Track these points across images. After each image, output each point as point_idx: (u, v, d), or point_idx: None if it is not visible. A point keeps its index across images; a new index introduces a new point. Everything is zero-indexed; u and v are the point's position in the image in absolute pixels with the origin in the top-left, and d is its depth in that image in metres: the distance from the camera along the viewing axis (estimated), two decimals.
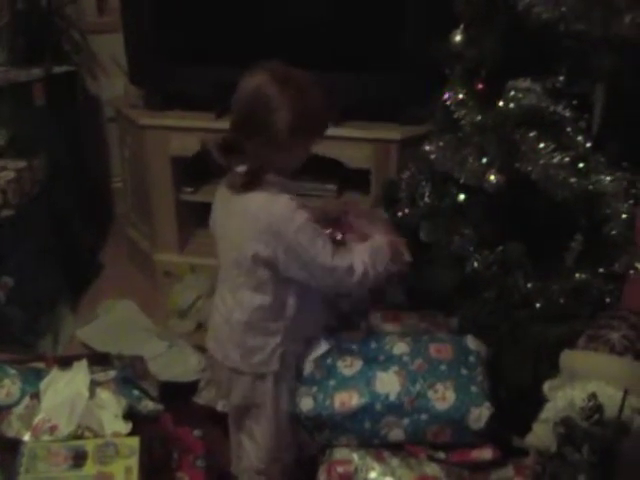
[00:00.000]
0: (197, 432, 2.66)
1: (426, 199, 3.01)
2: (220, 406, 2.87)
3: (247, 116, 2.18)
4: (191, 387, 3.14)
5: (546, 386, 2.23)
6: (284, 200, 2.18)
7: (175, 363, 3.29)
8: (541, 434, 2.16)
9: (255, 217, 2.17)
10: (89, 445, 2.26)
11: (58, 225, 3.73)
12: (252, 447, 2.52)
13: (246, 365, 2.35)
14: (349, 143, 3.55)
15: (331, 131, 3.39)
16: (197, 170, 3.81)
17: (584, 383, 2.06)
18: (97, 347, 3.45)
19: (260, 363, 2.34)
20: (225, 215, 2.31)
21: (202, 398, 3.04)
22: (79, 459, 2.21)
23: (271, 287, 2.26)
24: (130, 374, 2.68)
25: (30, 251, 3.48)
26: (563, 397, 2.09)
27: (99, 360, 2.86)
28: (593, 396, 1.93)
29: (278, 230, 2.16)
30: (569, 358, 2.24)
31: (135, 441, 2.28)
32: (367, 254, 2.30)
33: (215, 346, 2.47)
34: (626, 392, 1.91)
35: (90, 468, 2.19)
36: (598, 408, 1.91)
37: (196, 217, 3.88)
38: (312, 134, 2.28)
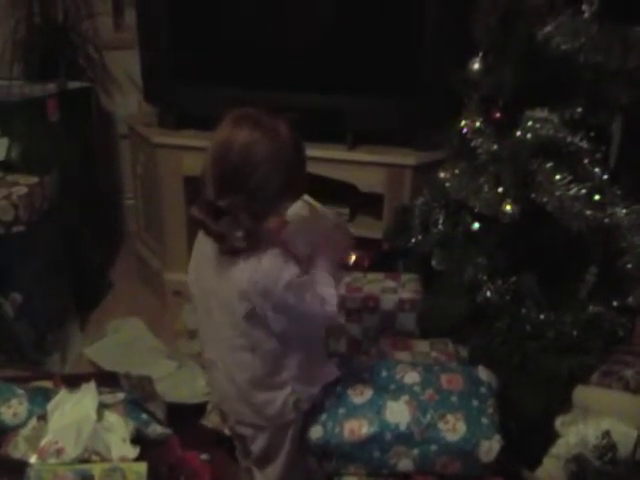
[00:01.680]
0: (204, 456, 2.62)
1: (440, 226, 3.02)
2: (227, 430, 2.85)
3: (238, 177, 2.04)
4: (198, 409, 3.09)
5: (558, 421, 2.22)
6: (271, 257, 2.08)
7: (183, 384, 3.26)
8: (551, 469, 2.15)
9: (242, 277, 2.08)
10: (96, 469, 2.24)
11: (68, 242, 3.71)
12: (262, 478, 2.50)
13: (262, 419, 2.31)
14: (363, 167, 3.54)
15: (344, 155, 3.43)
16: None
17: (597, 420, 2.05)
18: (105, 366, 3.42)
19: (275, 416, 2.30)
20: (213, 275, 2.18)
21: (210, 421, 3.00)
22: None
23: (270, 344, 2.19)
24: (138, 397, 2.67)
25: (39, 267, 3.45)
26: (575, 433, 2.08)
27: (107, 379, 2.87)
28: (606, 434, 1.93)
29: (264, 289, 2.07)
30: (582, 394, 2.23)
31: (142, 467, 2.26)
32: (331, 281, 2.20)
33: (226, 408, 2.42)
34: None
35: None
36: (611, 446, 1.90)
37: None
38: (296, 188, 2.16)
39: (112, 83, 4.36)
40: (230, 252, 2.08)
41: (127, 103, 4.31)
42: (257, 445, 2.40)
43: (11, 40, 4.16)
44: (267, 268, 2.06)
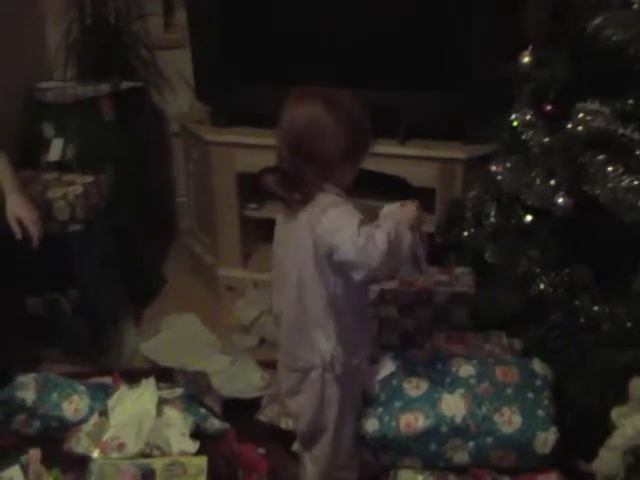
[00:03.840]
0: (261, 450, 2.65)
1: (492, 219, 3.02)
2: (284, 423, 2.88)
3: (303, 146, 2.20)
4: (253, 404, 3.11)
5: (614, 413, 2.23)
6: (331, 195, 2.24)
7: (238, 379, 3.27)
8: (608, 461, 2.16)
9: (305, 220, 2.23)
10: (157, 464, 2.28)
11: (122, 239, 3.76)
12: (311, 467, 2.53)
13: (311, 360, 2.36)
14: (414, 161, 3.55)
15: (396, 149, 3.44)
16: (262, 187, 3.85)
17: None
18: (160, 362, 3.46)
19: (317, 362, 2.34)
20: (285, 238, 2.36)
21: (265, 415, 3.01)
22: (147, 477, 2.24)
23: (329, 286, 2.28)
24: (195, 392, 2.71)
25: (95, 265, 3.51)
26: (632, 425, 2.09)
27: (163, 375, 2.90)
28: None
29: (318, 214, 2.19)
30: (639, 386, 2.23)
31: (202, 460, 2.30)
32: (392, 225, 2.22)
33: (287, 359, 2.46)
34: None
35: None
36: None
37: (259, 233, 3.90)
38: (361, 154, 2.30)
39: (164, 82, 4.38)
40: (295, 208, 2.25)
41: (178, 102, 4.33)
42: (302, 420, 2.46)
43: (64, 42, 4.22)
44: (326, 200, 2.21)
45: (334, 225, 2.16)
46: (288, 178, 2.23)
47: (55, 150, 3.77)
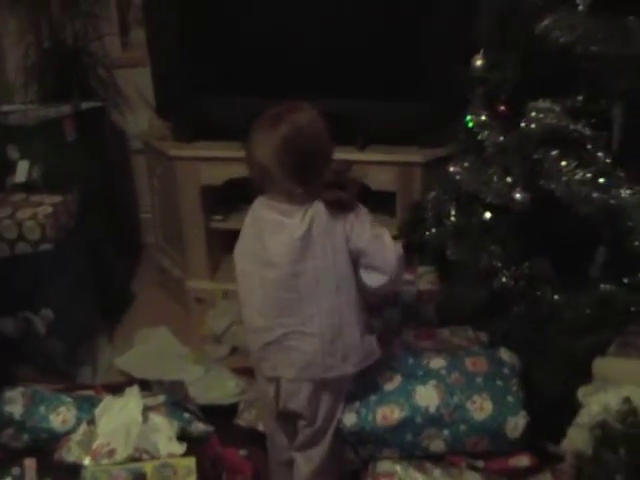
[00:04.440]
0: (243, 452, 2.73)
1: (452, 218, 3.07)
2: (261, 427, 2.93)
3: (310, 146, 2.33)
4: (230, 410, 3.16)
5: (580, 392, 2.31)
6: None
7: (213, 387, 3.31)
8: (576, 439, 2.23)
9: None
10: (147, 467, 2.36)
11: (92, 257, 3.79)
12: (308, 462, 2.57)
13: (354, 360, 2.45)
14: (373, 167, 3.62)
15: (355, 155, 3.51)
16: (226, 198, 3.92)
17: (618, 388, 2.14)
18: (136, 375, 3.47)
19: (366, 354, 2.47)
20: (299, 247, 2.38)
21: (243, 420, 3.07)
22: None
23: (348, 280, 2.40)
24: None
25: (68, 283, 3.54)
26: (597, 402, 2.17)
27: (140, 387, 2.93)
28: (627, 400, 2.02)
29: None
30: (602, 365, 2.33)
31: (191, 461, 2.38)
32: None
33: (310, 372, 2.46)
34: None
35: None
36: (633, 411, 2.00)
37: (226, 244, 3.93)
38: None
39: (123, 101, 4.45)
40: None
41: (138, 119, 4.39)
42: (315, 424, 2.52)
43: (23, 65, 4.27)
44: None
45: (372, 232, 2.36)
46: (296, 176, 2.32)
47: (21, 171, 3.78)
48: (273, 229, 2.40)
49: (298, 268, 2.36)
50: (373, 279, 2.38)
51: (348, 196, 2.41)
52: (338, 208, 2.36)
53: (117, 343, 3.86)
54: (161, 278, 4.40)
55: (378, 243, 2.36)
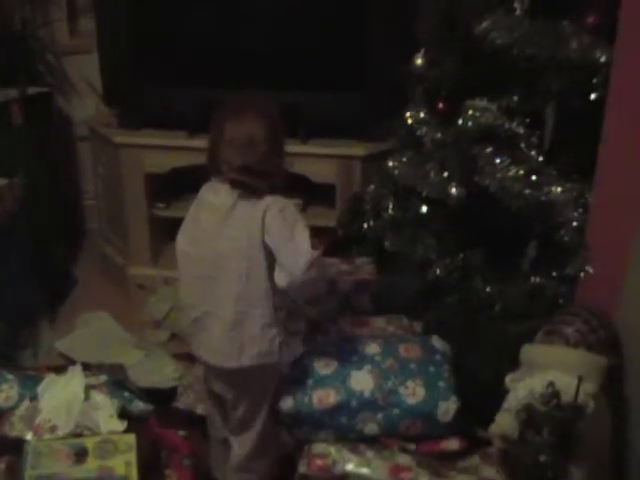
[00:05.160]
0: (182, 432, 2.78)
1: (390, 211, 3.16)
2: (200, 409, 3.00)
3: (275, 139, 2.39)
4: (170, 393, 3.23)
5: (508, 378, 2.40)
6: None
7: (153, 371, 3.36)
8: (503, 423, 2.34)
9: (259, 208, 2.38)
10: (89, 442, 2.41)
11: (36, 241, 3.81)
12: (241, 446, 2.62)
13: (254, 357, 2.45)
14: (314, 159, 3.69)
15: (297, 148, 3.55)
16: (169, 186, 3.97)
17: (543, 373, 2.24)
18: (76, 358, 3.44)
19: (264, 353, 2.46)
20: (221, 229, 2.43)
21: (182, 403, 3.14)
22: (80, 455, 2.36)
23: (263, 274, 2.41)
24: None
25: (11, 267, 3.55)
26: (523, 387, 2.27)
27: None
28: (551, 384, 2.12)
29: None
30: (528, 351, 2.43)
31: (132, 437, 2.44)
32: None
33: (219, 360, 2.50)
34: (580, 379, 2.11)
35: (92, 463, 2.34)
36: (556, 394, 2.10)
37: (168, 232, 3.94)
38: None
39: (70, 87, 4.46)
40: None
41: (84, 106, 4.39)
42: (238, 410, 2.55)
43: None
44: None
45: (290, 232, 2.35)
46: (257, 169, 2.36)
47: None
48: (208, 209, 2.46)
49: (217, 247, 2.41)
50: (280, 277, 2.37)
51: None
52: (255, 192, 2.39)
53: (59, 327, 3.87)
54: (104, 264, 4.42)
55: (291, 245, 2.34)
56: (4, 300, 3.53)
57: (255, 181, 2.36)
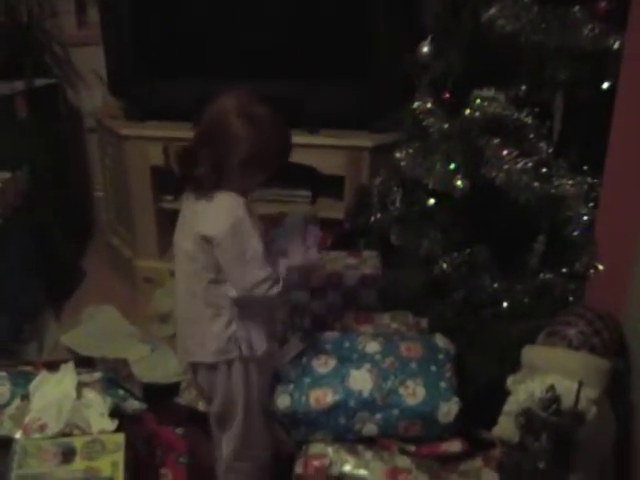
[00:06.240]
0: (179, 431, 2.75)
1: (397, 204, 3.09)
2: (201, 406, 2.95)
3: (208, 136, 2.30)
4: (173, 389, 3.19)
5: (509, 380, 2.32)
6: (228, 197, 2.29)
7: (157, 366, 3.33)
8: (505, 426, 2.26)
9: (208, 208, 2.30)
10: (77, 442, 2.37)
11: (40, 234, 3.79)
12: (226, 445, 2.59)
13: (208, 353, 2.42)
14: (323, 150, 3.65)
15: (306, 139, 3.52)
16: (176, 179, 3.91)
17: (543, 376, 2.15)
18: (81, 352, 3.47)
19: (218, 351, 2.41)
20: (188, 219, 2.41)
21: (184, 398, 3.10)
22: (68, 455, 2.33)
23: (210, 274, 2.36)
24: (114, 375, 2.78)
25: (14, 260, 3.54)
26: (524, 390, 2.18)
27: (84, 363, 2.93)
28: (551, 388, 2.04)
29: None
30: (529, 353, 2.34)
31: (121, 437, 2.39)
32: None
33: (188, 353, 2.52)
34: (581, 384, 2.02)
35: (78, 463, 2.30)
36: (556, 399, 2.02)
37: (175, 224, 3.95)
38: (262, 172, 2.36)
39: (78, 79, 4.44)
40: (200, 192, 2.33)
41: (92, 98, 4.39)
42: (214, 405, 2.53)
43: None
44: (226, 204, 2.29)
45: (242, 256, 2.27)
46: (188, 157, 2.34)
47: None
48: (185, 204, 2.45)
49: (178, 243, 2.42)
50: (229, 288, 2.34)
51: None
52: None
53: (64, 320, 3.86)
54: (111, 256, 4.41)
55: (240, 269, 2.28)
56: (7, 294, 3.51)
57: (208, 174, 2.29)
